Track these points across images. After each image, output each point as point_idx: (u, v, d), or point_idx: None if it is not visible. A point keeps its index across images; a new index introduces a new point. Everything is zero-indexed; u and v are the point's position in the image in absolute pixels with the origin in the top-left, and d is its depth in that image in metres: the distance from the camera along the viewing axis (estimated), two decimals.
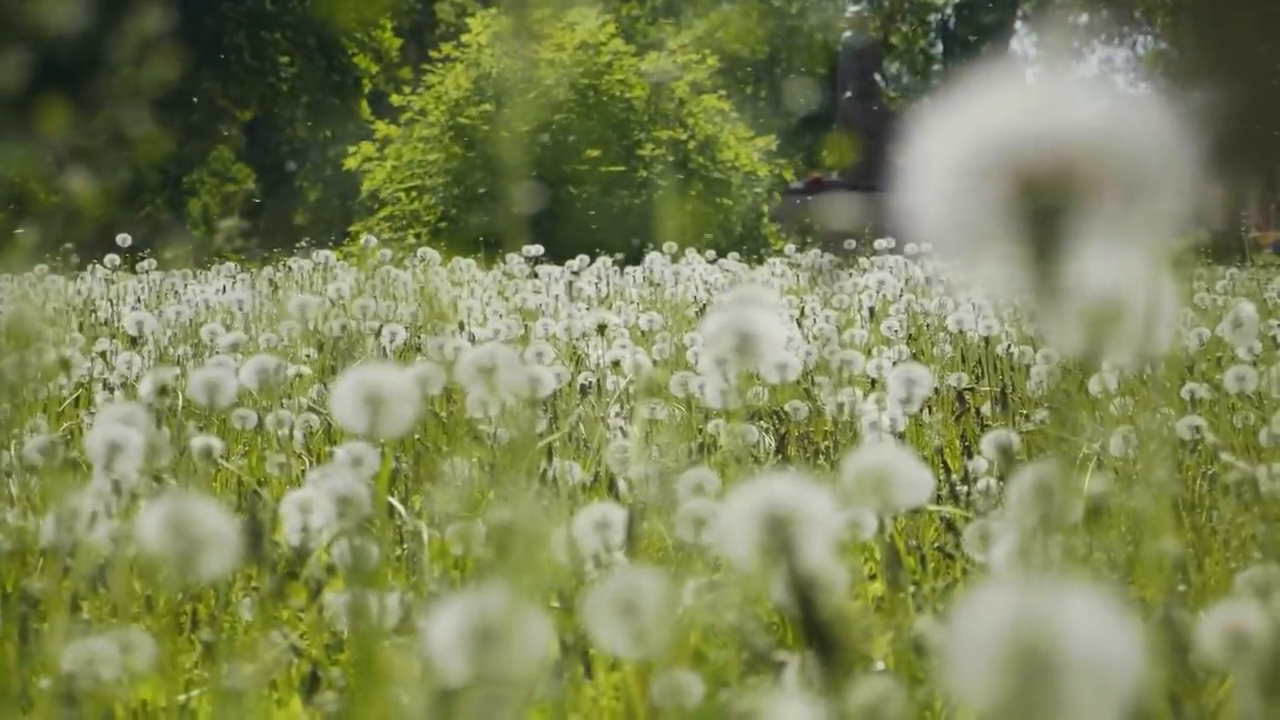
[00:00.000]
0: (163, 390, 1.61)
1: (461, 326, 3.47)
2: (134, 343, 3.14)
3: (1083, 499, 0.92)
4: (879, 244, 6.80)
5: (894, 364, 2.94)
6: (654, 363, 3.47)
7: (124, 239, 5.81)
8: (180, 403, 2.58)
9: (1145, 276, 0.47)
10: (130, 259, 5.95)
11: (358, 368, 1.11)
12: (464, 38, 16.15)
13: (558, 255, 6.47)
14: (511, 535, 0.70)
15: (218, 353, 2.79)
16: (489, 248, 6.98)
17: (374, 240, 5.06)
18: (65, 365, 2.30)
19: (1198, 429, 2.00)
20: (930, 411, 3.02)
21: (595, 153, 14.52)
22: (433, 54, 16.40)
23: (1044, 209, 0.43)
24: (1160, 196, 0.43)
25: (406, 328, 3.83)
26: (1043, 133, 0.43)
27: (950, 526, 1.92)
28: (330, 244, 6.65)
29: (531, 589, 0.74)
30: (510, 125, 14.59)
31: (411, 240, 13.88)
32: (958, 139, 0.43)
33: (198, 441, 1.54)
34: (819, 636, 0.59)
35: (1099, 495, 0.89)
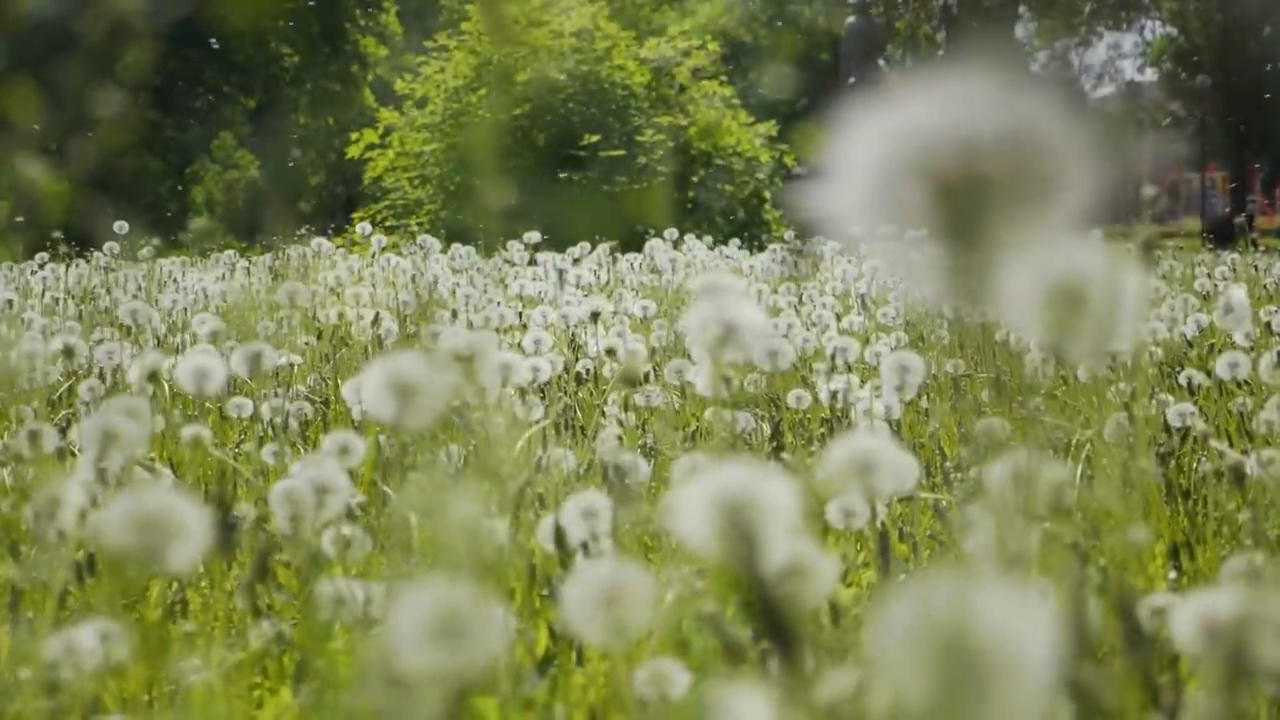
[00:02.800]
0: (152, 376, 1.61)
1: (455, 315, 3.47)
2: (128, 331, 3.14)
3: (1055, 486, 0.92)
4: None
5: (892, 350, 2.93)
6: (652, 350, 3.47)
7: (121, 226, 5.79)
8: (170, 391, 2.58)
9: (1102, 266, 0.48)
10: (130, 246, 5.94)
11: (387, 357, 1.10)
12: (464, 25, 16.13)
13: (558, 242, 6.46)
14: (481, 523, 0.69)
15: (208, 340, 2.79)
16: (489, 235, 6.98)
17: (368, 228, 5.06)
18: (67, 353, 2.30)
19: (1188, 416, 1.99)
20: (928, 398, 3.01)
21: (595, 138, 14.51)
22: (427, 43, 16.39)
23: (957, 205, 0.44)
24: (1064, 191, 0.44)
25: (404, 315, 3.83)
26: (954, 135, 0.45)
27: (943, 514, 1.91)
28: (329, 232, 6.65)
29: (495, 580, 0.74)
30: (508, 112, 14.57)
31: (414, 228, 13.88)
32: (878, 141, 0.45)
33: (187, 430, 1.54)
34: (774, 625, 0.59)
35: (1065, 482, 0.89)
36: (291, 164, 24.85)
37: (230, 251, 7.00)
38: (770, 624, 0.58)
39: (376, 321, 3.17)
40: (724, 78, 16.68)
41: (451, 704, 0.57)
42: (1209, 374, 2.55)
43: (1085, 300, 0.55)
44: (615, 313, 3.65)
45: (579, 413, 2.71)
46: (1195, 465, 2.14)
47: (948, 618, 0.42)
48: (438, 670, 0.58)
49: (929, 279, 0.46)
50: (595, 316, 2.60)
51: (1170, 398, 2.49)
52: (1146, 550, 2.02)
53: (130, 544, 0.73)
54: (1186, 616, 0.70)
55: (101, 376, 2.67)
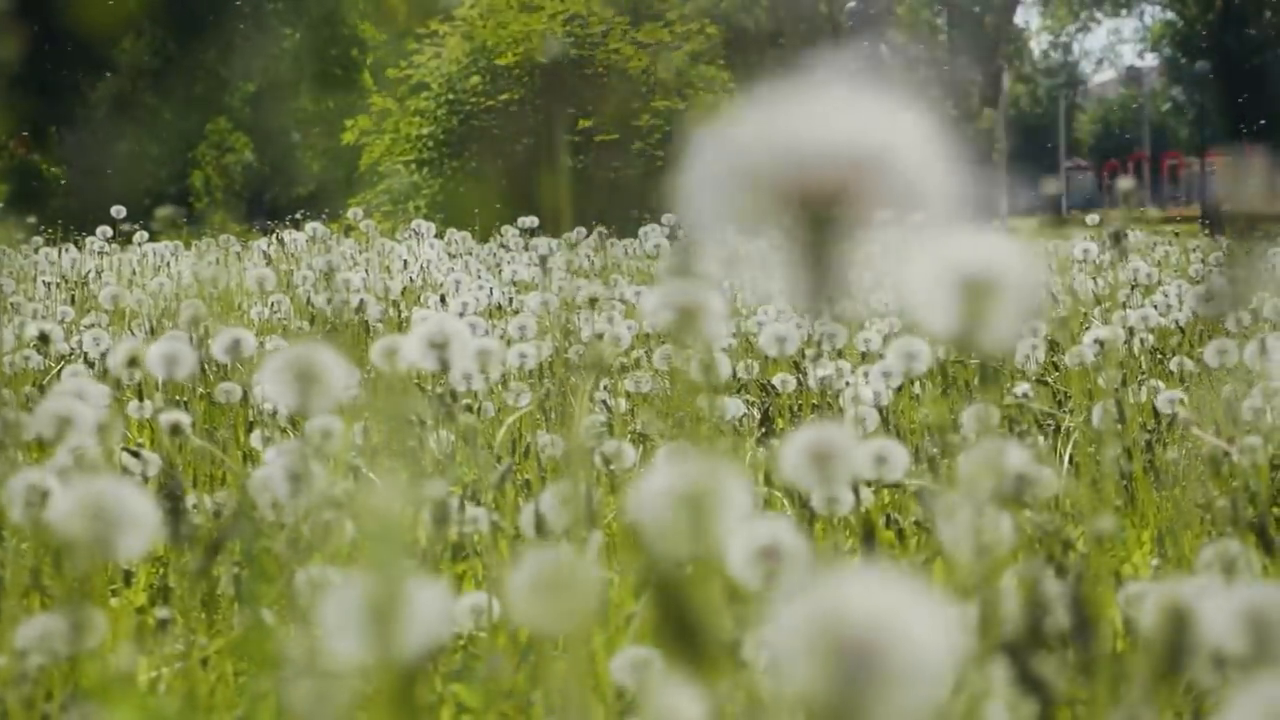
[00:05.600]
0: (133, 361, 1.60)
1: (443, 300, 3.46)
2: (121, 316, 3.13)
3: (1025, 472, 0.92)
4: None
5: (884, 338, 2.93)
6: (646, 336, 3.46)
7: (119, 211, 5.80)
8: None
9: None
10: (127, 231, 5.94)
11: (291, 346, 1.10)
12: (456, 11, 16.09)
13: (554, 227, 6.45)
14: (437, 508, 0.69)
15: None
16: (486, 220, 6.97)
17: (361, 213, 5.07)
18: (44, 339, 2.30)
19: (1173, 403, 1.99)
20: (921, 385, 3.00)
21: (588, 123, 14.49)
22: (418, 30, 16.37)
23: (814, 214, 0.45)
24: (925, 201, 0.45)
25: (395, 300, 3.82)
26: (815, 145, 0.45)
27: (927, 501, 1.91)
28: (323, 216, 6.64)
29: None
30: (501, 97, 14.53)
31: (412, 212, 13.87)
32: (736, 149, 0.46)
33: (165, 417, 1.53)
34: (680, 620, 0.58)
35: (1039, 468, 0.88)
36: (296, 146, 24.80)
37: (227, 235, 6.99)
38: (676, 619, 0.58)
39: (361, 307, 3.17)
40: (722, 62, 16.65)
41: (394, 690, 0.57)
42: (1194, 359, 2.54)
43: (993, 290, 0.55)
44: (608, 298, 3.64)
45: (570, 398, 2.71)
46: (1183, 451, 2.14)
47: (841, 616, 0.42)
48: (367, 659, 0.57)
49: (781, 276, 0.47)
50: (593, 302, 2.60)
51: (1161, 384, 2.49)
52: (1133, 537, 2.02)
53: (79, 533, 0.73)
54: (1134, 600, 0.70)
55: (88, 362, 2.66)
